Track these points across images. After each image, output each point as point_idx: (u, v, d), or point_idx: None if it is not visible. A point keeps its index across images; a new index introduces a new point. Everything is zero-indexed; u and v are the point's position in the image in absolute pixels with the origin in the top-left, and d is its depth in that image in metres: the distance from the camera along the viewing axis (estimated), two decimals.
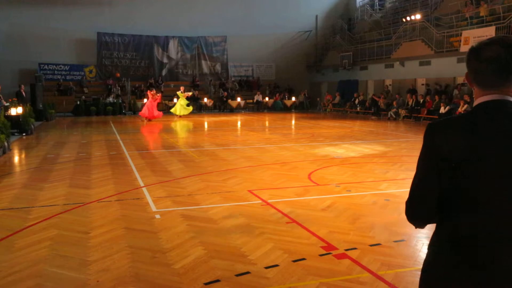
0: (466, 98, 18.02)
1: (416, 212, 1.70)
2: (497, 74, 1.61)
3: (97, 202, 6.48)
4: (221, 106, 29.47)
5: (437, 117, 18.74)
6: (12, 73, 26.59)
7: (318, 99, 30.74)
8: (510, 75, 1.60)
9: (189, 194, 6.93)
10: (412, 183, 1.70)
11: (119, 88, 28.56)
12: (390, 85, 25.68)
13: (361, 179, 7.99)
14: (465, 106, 17.61)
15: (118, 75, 29.39)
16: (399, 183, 7.59)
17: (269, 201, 6.48)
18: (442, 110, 18.95)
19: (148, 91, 22.54)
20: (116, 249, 4.58)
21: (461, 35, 19.93)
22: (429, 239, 1.74)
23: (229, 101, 29.40)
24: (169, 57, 31.43)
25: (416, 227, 1.77)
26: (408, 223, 1.76)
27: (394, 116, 22.02)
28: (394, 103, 22.69)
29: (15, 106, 15.40)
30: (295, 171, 8.74)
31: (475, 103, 1.67)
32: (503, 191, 1.56)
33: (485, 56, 1.61)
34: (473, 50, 1.67)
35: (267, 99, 30.28)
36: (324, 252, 4.48)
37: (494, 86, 1.63)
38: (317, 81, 33.12)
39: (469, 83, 1.72)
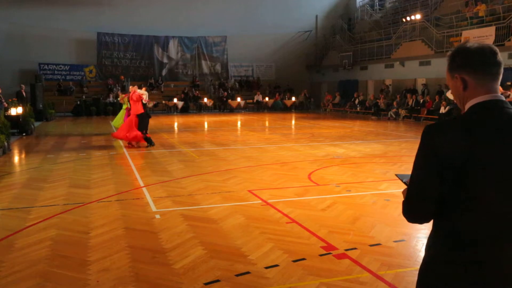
0: None
1: (415, 213, 1.69)
2: (491, 75, 1.65)
3: (97, 202, 6.48)
4: (221, 106, 29.46)
5: (437, 117, 18.76)
6: (12, 73, 26.58)
7: (312, 99, 30.74)
8: (500, 76, 1.67)
9: (189, 194, 6.93)
10: (410, 184, 1.69)
11: (119, 88, 28.55)
12: (390, 85, 25.69)
13: (361, 179, 7.98)
14: None
15: (123, 77, 29.28)
16: (399, 183, 7.56)
17: (269, 201, 6.48)
18: (442, 110, 18.94)
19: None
20: (116, 249, 4.58)
21: (461, 35, 19.92)
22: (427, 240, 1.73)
23: (229, 101, 29.39)
24: (169, 57, 31.42)
25: (414, 223, 1.79)
26: (408, 223, 1.76)
27: (394, 116, 22.02)
28: (394, 103, 22.71)
29: (15, 106, 15.40)
30: (295, 171, 8.74)
31: (470, 104, 1.67)
32: (504, 191, 1.56)
33: (482, 58, 1.65)
34: (466, 52, 1.68)
35: (267, 99, 30.27)
36: (324, 252, 4.48)
37: (489, 87, 1.65)
38: (317, 81, 33.11)
39: (459, 86, 1.70)
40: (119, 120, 14.54)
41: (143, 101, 11.85)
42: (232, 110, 29.21)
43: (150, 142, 12.00)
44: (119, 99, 15.00)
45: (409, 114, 21.36)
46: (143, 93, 11.87)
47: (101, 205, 6.32)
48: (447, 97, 18.51)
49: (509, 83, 16.74)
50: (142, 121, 11.71)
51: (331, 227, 5.28)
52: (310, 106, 30.67)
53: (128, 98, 12.47)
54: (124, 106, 14.17)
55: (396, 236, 4.95)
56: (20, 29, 27.12)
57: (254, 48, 31.80)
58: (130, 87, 12.64)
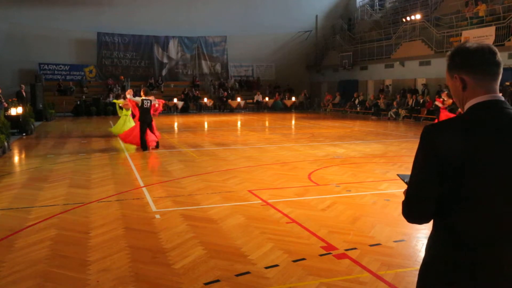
0: None
1: (415, 213, 1.69)
2: (491, 75, 1.65)
3: (97, 202, 6.48)
4: (221, 106, 29.47)
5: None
6: (12, 73, 26.59)
7: (316, 99, 30.76)
8: (499, 76, 1.67)
9: (189, 194, 6.93)
10: (409, 184, 1.69)
11: (119, 88, 28.55)
12: (390, 85, 25.69)
13: (361, 179, 7.98)
14: None
15: (122, 78, 29.31)
16: (399, 183, 7.57)
17: (269, 201, 6.48)
18: None
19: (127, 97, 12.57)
20: (116, 249, 4.58)
21: (461, 35, 19.93)
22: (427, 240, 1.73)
23: (229, 101, 29.40)
24: (169, 57, 31.43)
25: (413, 224, 1.79)
26: (408, 223, 1.76)
27: (394, 116, 22.02)
28: (394, 103, 22.71)
29: (15, 106, 15.40)
30: (295, 171, 8.74)
31: (469, 104, 1.66)
32: (504, 191, 1.56)
33: (481, 58, 1.64)
34: (465, 52, 1.67)
35: (267, 99, 30.28)
36: (324, 252, 4.48)
37: (488, 87, 1.65)
38: (317, 81, 33.11)
39: (458, 85, 1.70)
40: (118, 126, 14.04)
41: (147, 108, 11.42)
42: (232, 110, 29.22)
43: (144, 148, 11.46)
44: (121, 105, 14.08)
45: (409, 114, 21.36)
46: (138, 101, 11.49)
47: (101, 205, 6.32)
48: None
49: (508, 83, 16.75)
50: (142, 126, 11.41)
51: (331, 227, 5.28)
52: (313, 106, 30.68)
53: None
54: (128, 113, 13.75)
55: (396, 236, 4.95)
56: (20, 29, 27.12)
57: (254, 48, 31.80)
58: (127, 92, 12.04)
